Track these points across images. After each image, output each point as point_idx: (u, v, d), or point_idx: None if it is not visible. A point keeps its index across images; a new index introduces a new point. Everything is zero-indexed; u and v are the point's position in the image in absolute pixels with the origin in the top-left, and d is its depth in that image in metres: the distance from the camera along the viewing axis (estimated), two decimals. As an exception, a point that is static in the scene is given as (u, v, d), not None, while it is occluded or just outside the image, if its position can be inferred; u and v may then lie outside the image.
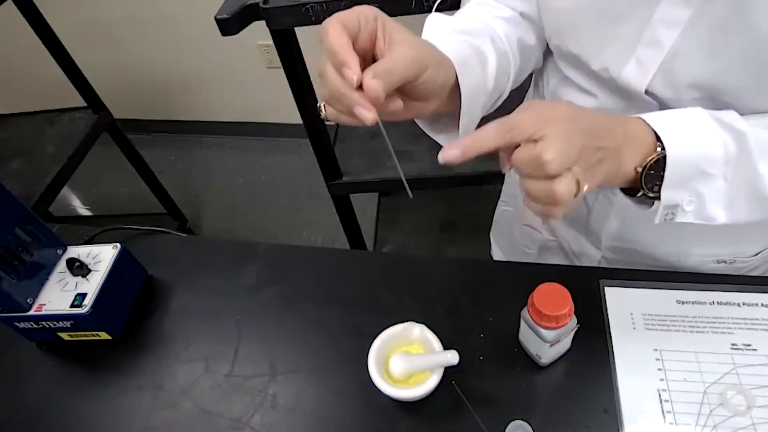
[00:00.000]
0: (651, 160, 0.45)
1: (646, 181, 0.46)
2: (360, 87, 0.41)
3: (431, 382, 0.54)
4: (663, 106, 0.52)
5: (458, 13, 0.63)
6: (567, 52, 0.57)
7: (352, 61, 0.40)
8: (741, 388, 0.54)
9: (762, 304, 0.61)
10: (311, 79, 1.15)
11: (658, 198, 0.46)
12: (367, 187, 1.41)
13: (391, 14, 1.05)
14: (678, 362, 0.57)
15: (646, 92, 0.51)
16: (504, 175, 0.89)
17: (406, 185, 0.48)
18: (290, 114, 1.47)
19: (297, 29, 1.03)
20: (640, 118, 0.46)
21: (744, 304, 0.61)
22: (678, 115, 0.46)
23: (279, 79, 1.21)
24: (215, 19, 0.98)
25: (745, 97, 0.47)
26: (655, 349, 0.58)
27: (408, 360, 0.56)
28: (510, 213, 0.89)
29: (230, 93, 2.36)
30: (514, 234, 0.88)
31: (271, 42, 1.06)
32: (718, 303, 0.61)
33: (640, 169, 0.45)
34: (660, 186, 0.46)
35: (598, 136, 0.43)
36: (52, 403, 0.65)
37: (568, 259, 0.80)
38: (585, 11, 0.52)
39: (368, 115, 0.41)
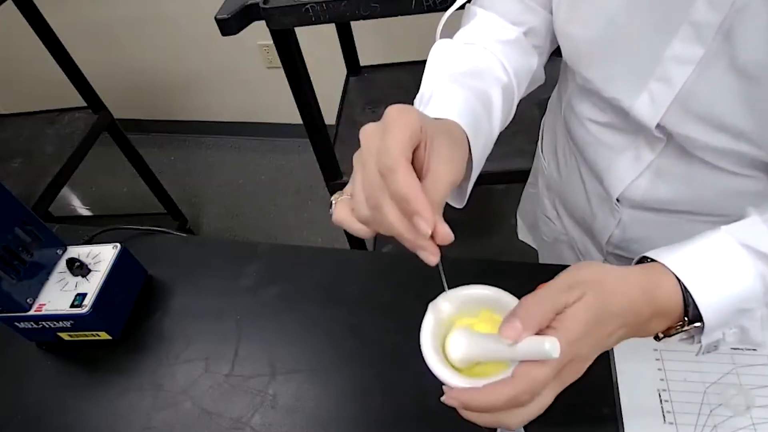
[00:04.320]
0: (677, 330, 0.42)
1: (671, 335, 0.43)
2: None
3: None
4: (673, 140, 0.51)
5: (463, 31, 0.60)
6: (581, 75, 0.56)
7: (427, 212, 0.35)
8: (741, 388, 0.54)
9: (762, 304, 0.60)
10: (311, 79, 1.15)
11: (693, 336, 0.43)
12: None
13: (391, 14, 1.05)
14: (678, 362, 0.57)
15: (658, 126, 0.50)
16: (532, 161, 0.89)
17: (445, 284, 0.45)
18: (290, 114, 1.47)
19: (297, 29, 1.03)
20: (670, 276, 0.40)
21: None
22: (708, 259, 0.41)
23: (279, 79, 1.21)
24: (215, 19, 0.98)
25: (764, 140, 0.44)
26: (655, 349, 0.58)
27: (476, 342, 0.41)
28: (534, 195, 0.88)
29: (230, 93, 2.36)
30: (536, 217, 0.88)
31: (271, 42, 1.06)
32: (718, 303, 0.61)
33: (662, 335, 0.43)
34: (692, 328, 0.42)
35: (620, 324, 0.40)
36: (52, 403, 0.65)
37: (575, 255, 0.81)
38: (597, 43, 0.51)
39: (434, 259, 0.38)
